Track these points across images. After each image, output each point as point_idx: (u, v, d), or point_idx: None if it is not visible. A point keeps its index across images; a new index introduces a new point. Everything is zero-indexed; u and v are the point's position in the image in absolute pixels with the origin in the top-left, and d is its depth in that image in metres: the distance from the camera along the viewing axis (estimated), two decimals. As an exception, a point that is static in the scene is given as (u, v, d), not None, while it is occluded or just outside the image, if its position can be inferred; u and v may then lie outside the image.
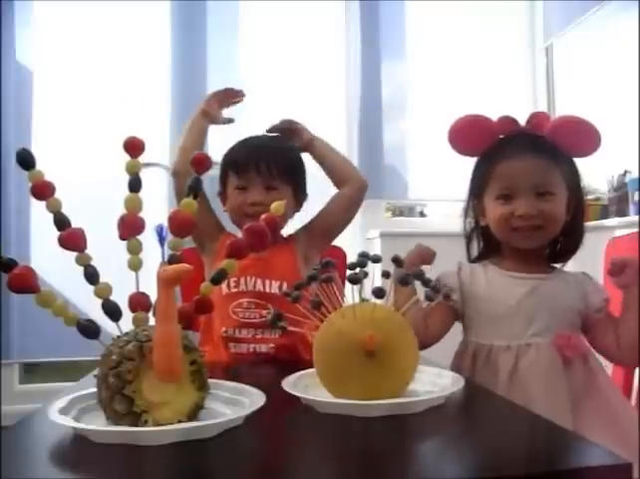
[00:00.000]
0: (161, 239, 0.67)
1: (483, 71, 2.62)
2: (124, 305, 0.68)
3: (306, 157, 1.32)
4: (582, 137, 1.08)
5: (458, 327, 1.16)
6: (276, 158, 1.21)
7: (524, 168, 1.06)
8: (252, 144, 1.27)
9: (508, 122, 1.11)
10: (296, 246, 1.24)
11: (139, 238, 0.70)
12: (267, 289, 1.15)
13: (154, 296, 0.63)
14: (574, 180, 1.10)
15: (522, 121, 1.11)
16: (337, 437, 0.61)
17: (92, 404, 0.65)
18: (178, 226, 0.70)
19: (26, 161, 0.65)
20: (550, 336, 1.03)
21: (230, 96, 1.38)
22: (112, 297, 0.68)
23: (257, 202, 1.18)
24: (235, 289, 1.16)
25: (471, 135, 1.14)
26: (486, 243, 1.17)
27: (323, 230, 1.29)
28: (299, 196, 1.27)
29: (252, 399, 0.65)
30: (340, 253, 1.43)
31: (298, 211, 1.30)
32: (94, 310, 0.68)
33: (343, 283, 0.77)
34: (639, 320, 1.01)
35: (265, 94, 2.43)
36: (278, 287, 1.15)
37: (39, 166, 0.66)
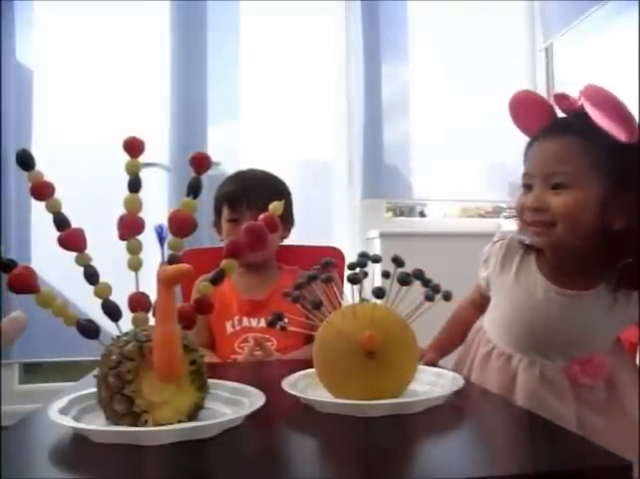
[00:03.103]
0: (161, 240, 0.67)
1: (484, 71, 2.61)
2: (124, 305, 0.68)
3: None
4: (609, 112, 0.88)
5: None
6: (265, 191, 1.29)
7: (538, 153, 0.92)
8: (242, 178, 1.37)
9: (560, 99, 0.95)
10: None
11: (139, 238, 0.70)
12: None
13: (153, 296, 0.63)
14: (623, 171, 0.86)
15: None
16: (337, 437, 0.61)
17: (92, 404, 0.65)
18: (178, 226, 0.70)
19: (26, 161, 0.65)
20: (563, 361, 0.94)
21: None
22: (112, 297, 0.68)
23: None
24: (239, 327, 1.25)
25: (528, 112, 0.99)
26: None
27: None
28: (286, 224, 1.36)
29: (252, 399, 0.65)
30: (337, 254, 1.44)
31: (286, 237, 1.39)
32: (94, 310, 0.68)
33: (342, 284, 0.77)
34: None
35: (265, 93, 2.43)
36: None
37: (39, 166, 0.66)
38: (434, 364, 0.88)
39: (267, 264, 1.34)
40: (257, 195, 1.27)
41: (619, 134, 0.85)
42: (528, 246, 1.00)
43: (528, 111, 0.99)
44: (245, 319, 1.25)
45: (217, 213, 1.36)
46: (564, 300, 0.94)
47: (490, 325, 1.05)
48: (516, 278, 1.00)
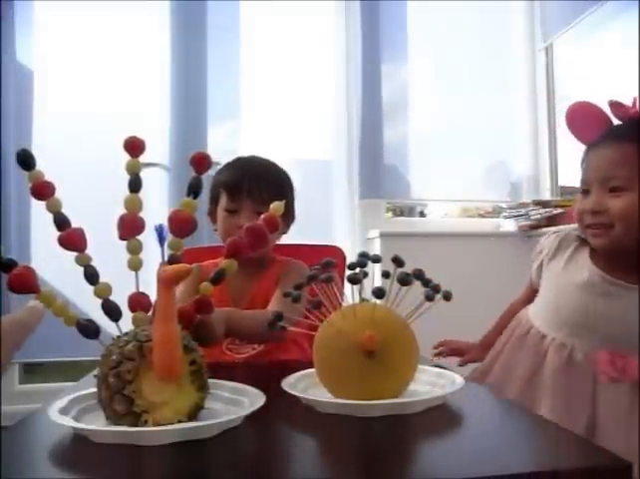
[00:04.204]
0: (161, 240, 0.67)
1: (483, 71, 2.62)
2: (124, 305, 0.68)
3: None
4: None
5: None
6: (267, 183, 1.22)
7: (596, 159, 0.98)
8: (244, 166, 1.27)
9: (616, 106, 1.00)
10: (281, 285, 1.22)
11: (139, 238, 0.70)
12: None
13: (154, 296, 0.63)
14: None
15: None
16: (337, 437, 0.61)
17: (92, 404, 0.65)
18: (178, 226, 0.70)
19: (26, 161, 0.65)
20: (594, 346, 0.97)
21: None
22: (112, 297, 0.68)
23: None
24: None
25: (584, 122, 1.05)
26: None
27: None
28: (287, 219, 1.27)
29: (252, 399, 0.65)
30: (338, 253, 1.43)
31: (285, 232, 1.30)
32: (94, 310, 0.68)
33: (342, 283, 0.77)
34: None
35: (265, 93, 2.44)
36: None
37: (39, 166, 0.66)
38: (476, 362, 0.90)
39: (260, 259, 1.25)
40: (259, 185, 1.21)
41: None
42: (584, 240, 1.05)
43: (585, 120, 1.04)
44: None
45: (214, 200, 1.27)
46: (607, 287, 0.98)
47: (534, 311, 1.09)
48: (566, 264, 1.05)
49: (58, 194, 0.67)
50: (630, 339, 0.96)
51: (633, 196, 0.93)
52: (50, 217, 0.67)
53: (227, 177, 1.25)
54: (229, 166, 1.30)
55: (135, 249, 0.69)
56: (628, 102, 0.97)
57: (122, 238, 0.69)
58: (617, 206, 0.94)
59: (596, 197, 0.96)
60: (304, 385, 0.76)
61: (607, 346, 0.97)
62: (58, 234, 0.66)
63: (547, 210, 2.28)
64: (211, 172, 0.75)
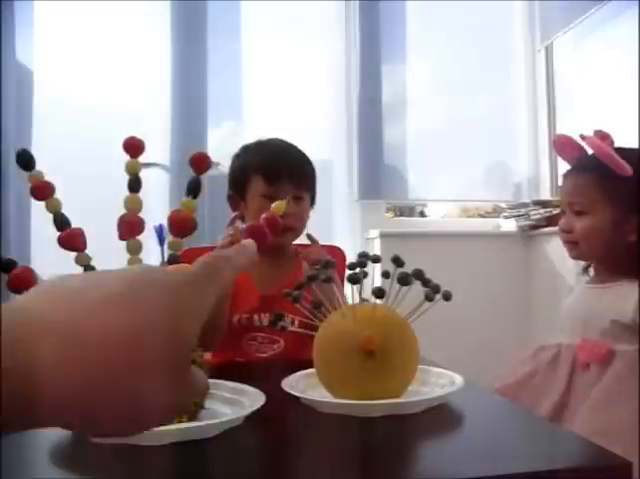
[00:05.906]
0: (161, 240, 0.67)
1: (483, 71, 2.61)
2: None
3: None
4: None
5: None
6: (304, 167, 1.21)
7: (565, 187, 1.20)
8: (276, 150, 1.20)
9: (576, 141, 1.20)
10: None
11: (139, 238, 0.70)
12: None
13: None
14: (629, 198, 1.09)
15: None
16: (337, 437, 0.61)
17: (92, 404, 0.65)
18: (178, 226, 0.70)
19: (26, 161, 0.65)
20: (578, 339, 1.12)
21: None
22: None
23: (289, 213, 1.10)
24: (248, 324, 1.15)
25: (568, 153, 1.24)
26: None
27: None
28: (312, 204, 1.26)
29: (252, 399, 0.65)
30: (339, 253, 1.43)
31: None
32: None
33: (342, 283, 0.77)
34: None
35: (265, 93, 2.44)
36: (290, 323, 1.11)
37: (39, 166, 0.66)
38: None
39: (286, 250, 1.20)
40: (300, 169, 1.15)
41: (622, 170, 1.08)
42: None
43: (565, 149, 1.23)
44: (256, 317, 1.15)
45: (239, 185, 1.18)
46: (587, 290, 1.19)
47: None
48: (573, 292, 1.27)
49: (58, 194, 0.67)
50: (593, 327, 1.11)
51: (591, 218, 1.13)
52: (50, 217, 0.67)
53: (262, 160, 1.17)
54: (258, 149, 1.21)
55: (135, 249, 0.69)
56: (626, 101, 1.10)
57: (122, 238, 0.69)
58: (579, 227, 1.14)
59: (566, 218, 1.18)
60: (304, 385, 0.76)
61: (585, 337, 1.11)
62: (58, 234, 0.67)
63: (547, 210, 2.28)
64: (211, 172, 0.75)
